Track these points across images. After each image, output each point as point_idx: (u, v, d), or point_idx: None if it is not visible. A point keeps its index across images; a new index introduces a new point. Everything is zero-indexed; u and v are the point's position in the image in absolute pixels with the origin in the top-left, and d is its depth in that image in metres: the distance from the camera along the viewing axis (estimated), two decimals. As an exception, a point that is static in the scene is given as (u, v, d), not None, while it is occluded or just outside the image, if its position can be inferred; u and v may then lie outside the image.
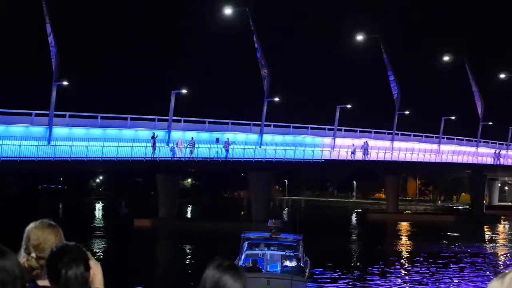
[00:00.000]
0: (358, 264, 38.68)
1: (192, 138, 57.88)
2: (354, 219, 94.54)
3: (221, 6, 61.91)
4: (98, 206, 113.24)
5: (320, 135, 68.46)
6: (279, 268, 24.35)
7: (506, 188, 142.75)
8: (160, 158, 55.62)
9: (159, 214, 68.94)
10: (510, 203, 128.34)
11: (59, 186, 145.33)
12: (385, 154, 73.29)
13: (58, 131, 50.80)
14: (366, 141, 67.37)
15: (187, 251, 47.30)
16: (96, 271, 3.53)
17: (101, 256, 41.79)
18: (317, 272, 31.02)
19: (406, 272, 35.67)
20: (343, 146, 69.11)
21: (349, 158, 67.35)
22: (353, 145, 66.91)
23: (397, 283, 31.33)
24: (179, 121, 59.18)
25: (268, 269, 24.30)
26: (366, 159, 67.25)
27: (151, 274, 34.63)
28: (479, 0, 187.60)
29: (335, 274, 32.33)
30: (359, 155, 69.62)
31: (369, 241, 54.27)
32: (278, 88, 69.40)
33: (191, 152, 57.26)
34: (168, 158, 56.45)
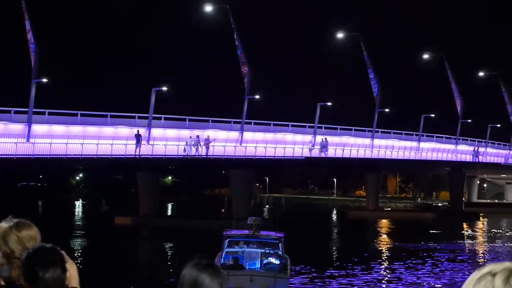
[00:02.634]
0: (339, 261, 38.81)
1: (198, 136, 58.48)
2: (334, 216, 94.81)
3: (201, 4, 61.85)
4: (78, 203, 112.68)
5: (300, 132, 68.54)
6: (258, 266, 24.38)
7: (485, 185, 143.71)
8: (140, 156, 55.48)
9: (139, 211, 68.75)
10: (488, 201, 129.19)
11: (39, 184, 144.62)
12: (365, 151, 73.56)
13: (37, 128, 50.47)
14: (325, 138, 67.02)
15: (167, 248, 47.23)
16: (72, 272, 3.54)
17: (80, 254, 41.64)
18: (297, 270, 31.09)
19: (386, 269, 35.86)
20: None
21: (314, 155, 66.63)
22: (311, 142, 66.41)
23: (377, 280, 31.48)
24: (160, 118, 59.03)
25: (248, 267, 24.32)
26: (323, 155, 66.85)
27: (131, 272, 34.55)
28: (459, 0, 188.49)
29: (315, 272, 32.41)
30: (332, 153, 69.75)
31: (349, 238, 54.47)
32: (259, 86, 69.45)
33: (207, 149, 58.19)
34: (149, 156, 56.33)
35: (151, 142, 56.45)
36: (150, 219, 65.07)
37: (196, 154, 58.49)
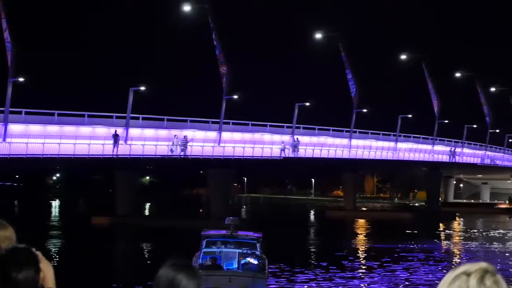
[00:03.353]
0: (316, 261, 38.90)
1: (185, 136, 58.72)
2: (312, 216, 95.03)
3: (180, 3, 61.69)
4: (55, 203, 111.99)
5: (279, 132, 68.63)
6: (236, 266, 24.37)
7: (461, 185, 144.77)
8: (118, 155, 55.27)
9: (117, 211, 68.49)
10: (465, 200, 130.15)
11: (15, 184, 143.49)
12: (343, 151, 73.83)
13: (14, 128, 50.11)
14: (297, 138, 67.00)
15: (145, 248, 47.10)
16: (47, 272, 3.52)
17: (57, 255, 41.41)
18: (275, 270, 31.12)
19: (363, 269, 35.99)
20: (301, 144, 69.38)
21: (284, 155, 66.41)
22: (283, 142, 66.30)
23: (354, 279, 31.60)
24: (138, 118, 58.83)
25: (226, 267, 24.30)
26: (295, 156, 66.75)
27: (107, 272, 34.40)
28: (436, 0, 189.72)
29: (293, 272, 32.46)
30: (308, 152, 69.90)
31: (327, 238, 54.63)
32: (237, 86, 69.42)
33: (185, 149, 58.34)
34: (126, 156, 56.14)
35: (129, 142, 56.27)
36: (127, 219, 64.81)
37: (183, 154, 58.68)
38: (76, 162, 55.54)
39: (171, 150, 58.32)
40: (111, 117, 57.25)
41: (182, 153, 58.79)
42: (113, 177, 72.14)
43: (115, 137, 54.37)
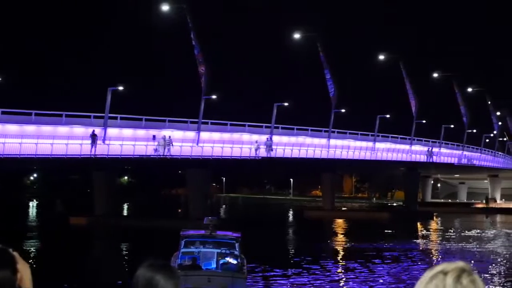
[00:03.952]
0: (295, 261, 38.96)
1: (169, 136, 58.92)
2: (291, 216, 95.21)
3: (158, 3, 61.52)
4: (32, 204, 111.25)
5: (257, 132, 68.66)
6: (214, 266, 24.36)
7: (439, 185, 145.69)
8: (96, 155, 55.02)
9: (95, 211, 68.21)
10: (442, 200, 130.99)
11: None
12: (321, 151, 74.01)
13: (-9, 127, 49.75)
14: (270, 137, 66.95)
15: (123, 249, 46.92)
16: (24, 273, 3.50)
17: (34, 255, 41.14)
18: (254, 270, 31.13)
19: (341, 268, 36.11)
20: (280, 144, 69.50)
21: (260, 155, 66.22)
22: (256, 141, 66.19)
23: (333, 279, 31.69)
24: (116, 118, 58.59)
25: (204, 267, 24.27)
26: (269, 155, 66.63)
27: (86, 272, 34.23)
28: (415, 1, 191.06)
29: (272, 272, 32.50)
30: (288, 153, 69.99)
31: (305, 238, 54.75)
32: (216, 86, 69.38)
33: (169, 150, 58.41)
34: (104, 155, 55.91)
35: (107, 142, 56.03)
36: (105, 219, 64.57)
37: (168, 154, 58.73)
38: (54, 162, 55.23)
39: (156, 150, 58.31)
40: (89, 117, 56.98)
41: (168, 153, 58.88)
42: (91, 177, 71.83)
43: (93, 137, 54.13)
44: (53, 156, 52.31)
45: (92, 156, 54.81)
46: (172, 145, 58.95)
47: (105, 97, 57.40)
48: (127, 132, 58.70)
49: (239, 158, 65.48)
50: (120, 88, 60.05)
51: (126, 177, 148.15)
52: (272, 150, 66.25)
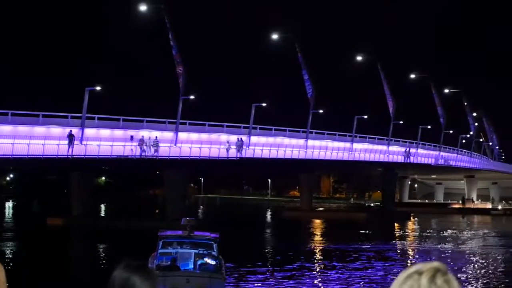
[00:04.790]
0: (273, 261, 39.01)
1: (156, 137, 59.21)
2: (269, 216, 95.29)
3: (136, 3, 61.31)
4: (9, 204, 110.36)
5: (235, 133, 68.62)
6: (191, 266, 24.32)
7: (416, 185, 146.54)
8: (73, 156, 54.71)
9: (72, 212, 67.85)
10: (419, 201, 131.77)
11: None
12: (299, 152, 74.13)
13: (-33, 127, 49.33)
14: (241, 138, 66.77)
15: (100, 250, 46.69)
16: None
17: (10, 257, 40.83)
18: (232, 270, 31.12)
19: (319, 269, 36.20)
20: (258, 144, 69.55)
21: (231, 155, 65.94)
22: (228, 142, 66.10)
23: (310, 279, 31.76)
24: (93, 118, 58.31)
25: (182, 268, 24.22)
26: (240, 156, 66.49)
27: (62, 274, 34.04)
28: (392, 2, 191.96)
29: (250, 272, 32.51)
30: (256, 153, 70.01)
31: (283, 239, 54.81)
32: (194, 86, 69.33)
33: (156, 150, 58.59)
34: (82, 156, 55.61)
35: (84, 142, 55.76)
36: (83, 220, 64.27)
37: (155, 154, 58.79)
38: (30, 162, 54.85)
39: (143, 151, 58.36)
40: (66, 117, 56.67)
41: (155, 154, 59.02)
42: (68, 177, 71.46)
43: (70, 137, 53.82)
44: (29, 156, 51.96)
45: (69, 156, 54.50)
46: (158, 146, 59.12)
47: (82, 97, 57.12)
48: (105, 132, 58.44)
49: (217, 158, 65.42)
50: (98, 88, 59.76)
51: (103, 178, 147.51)
52: (243, 150, 65.93)
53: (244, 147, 66.25)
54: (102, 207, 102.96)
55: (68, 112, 57.06)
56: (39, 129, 54.05)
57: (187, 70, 63.61)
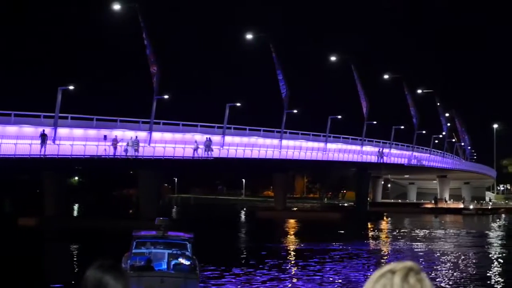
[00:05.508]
0: (247, 261, 39.01)
1: (136, 137, 59.32)
2: (243, 216, 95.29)
3: (109, 1, 61.00)
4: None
5: (209, 133, 68.51)
6: (165, 267, 24.26)
7: (389, 185, 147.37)
8: (46, 155, 54.28)
9: (45, 212, 67.35)
10: (392, 200, 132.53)
11: None
12: (273, 152, 74.20)
13: None
14: (209, 137, 66.56)
15: (73, 250, 46.40)
16: None
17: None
18: (206, 270, 31.09)
19: (293, 269, 36.28)
20: (232, 144, 69.52)
21: (197, 155, 65.75)
22: (196, 141, 65.80)
23: (284, 279, 31.81)
24: (66, 118, 57.90)
25: (156, 268, 24.15)
26: (208, 156, 66.22)
27: (35, 274, 33.78)
28: (365, 2, 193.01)
29: (224, 272, 32.49)
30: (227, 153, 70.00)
31: (257, 238, 54.83)
32: (168, 85, 69.12)
33: (136, 150, 58.50)
34: (54, 156, 55.21)
35: (57, 142, 55.35)
36: (55, 220, 63.82)
37: (135, 154, 58.65)
38: (2, 162, 54.27)
39: (126, 151, 58.16)
40: (39, 116, 56.20)
41: (135, 154, 58.84)
42: (40, 177, 70.92)
43: (43, 136, 53.38)
44: (1, 156, 51.46)
45: (42, 156, 54.06)
46: (139, 146, 59.00)
47: (55, 96, 56.70)
48: (78, 132, 58.06)
49: (191, 158, 65.27)
50: (71, 87, 59.38)
51: (76, 178, 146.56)
52: (212, 150, 65.65)
53: (212, 146, 66.05)
54: (75, 207, 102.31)
55: (41, 112, 56.60)
56: (11, 129, 53.54)
57: (161, 69, 63.41)
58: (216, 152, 67.05)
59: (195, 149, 64.50)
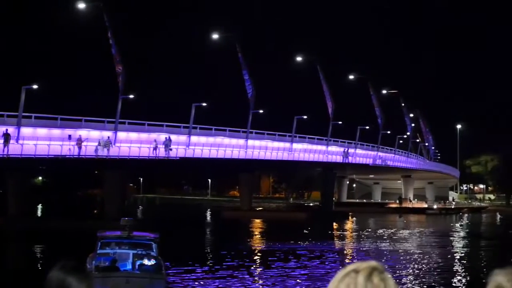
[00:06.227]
0: (213, 261, 38.97)
1: (109, 137, 59.24)
2: (209, 216, 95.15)
3: (74, 0, 60.46)
4: None
5: (175, 133, 68.34)
6: (130, 267, 24.15)
7: (354, 185, 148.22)
8: (9, 155, 53.69)
9: (8, 212, 66.60)
10: (357, 200, 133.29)
11: None
12: (239, 152, 74.23)
13: None
14: (169, 137, 66.40)
15: (37, 251, 45.92)
16: None
17: None
18: (171, 270, 31.01)
19: (258, 269, 36.31)
20: (198, 144, 69.40)
21: (156, 154, 65.42)
22: (155, 141, 65.53)
23: (249, 279, 31.83)
24: (30, 117, 57.33)
25: (121, 268, 24.03)
26: (167, 155, 65.96)
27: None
28: (332, 2, 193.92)
29: (189, 272, 32.43)
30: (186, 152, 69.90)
31: (223, 238, 54.80)
32: (134, 85, 68.78)
33: (108, 150, 58.54)
34: (18, 155, 54.62)
35: (20, 142, 54.77)
36: (19, 220, 63.12)
37: (104, 155, 58.36)
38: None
39: (96, 150, 57.81)
40: (2, 115, 55.61)
41: (108, 154, 58.65)
42: (3, 177, 70.16)
43: (6, 136, 52.82)
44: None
45: (5, 156, 53.46)
46: (112, 146, 58.71)
47: (19, 95, 56.08)
48: (42, 131, 57.52)
49: (157, 158, 65.01)
50: (35, 86, 58.79)
51: (40, 178, 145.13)
52: (171, 149, 65.37)
53: (177, 146, 65.84)
54: (39, 207, 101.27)
55: (4, 111, 55.97)
56: (-26, 128, 52.93)
57: (126, 68, 63.07)
58: (181, 152, 66.88)
59: (154, 148, 64.13)
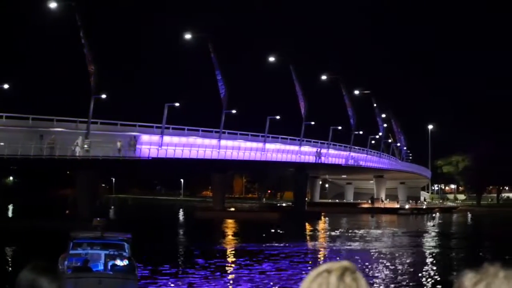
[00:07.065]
0: (185, 261, 38.91)
1: (135, 136, 60.65)
2: (181, 216, 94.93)
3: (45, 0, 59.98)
4: None
5: (148, 133, 68.12)
6: (102, 268, 24.03)
7: (327, 185, 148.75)
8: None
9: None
10: (330, 200, 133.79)
11: None
12: (212, 152, 74.13)
13: None
14: (134, 136, 66.11)
15: (8, 251, 45.50)
16: None
17: None
18: (143, 271, 30.90)
19: (230, 269, 36.31)
20: (170, 144, 69.19)
21: (124, 154, 65.02)
22: (120, 141, 65.11)
23: (222, 279, 31.83)
24: (1, 117, 56.80)
25: (94, 269, 23.90)
26: (134, 156, 65.63)
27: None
28: (304, 2, 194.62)
29: (161, 273, 32.35)
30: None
31: (195, 239, 54.70)
32: (106, 85, 68.39)
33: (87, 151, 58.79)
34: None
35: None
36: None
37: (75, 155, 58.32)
38: None
39: (74, 150, 57.59)
40: (-28, 115, 55.07)
41: (87, 153, 58.78)
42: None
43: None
44: None
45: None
46: (90, 146, 58.68)
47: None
48: (13, 131, 56.96)
49: (129, 158, 64.71)
50: (6, 86, 58.27)
51: (11, 178, 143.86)
52: (135, 150, 65.05)
53: (144, 146, 65.64)
54: (10, 207, 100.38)
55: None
56: None
57: (98, 68, 62.69)
58: (154, 152, 66.65)
59: (120, 149, 63.72)
